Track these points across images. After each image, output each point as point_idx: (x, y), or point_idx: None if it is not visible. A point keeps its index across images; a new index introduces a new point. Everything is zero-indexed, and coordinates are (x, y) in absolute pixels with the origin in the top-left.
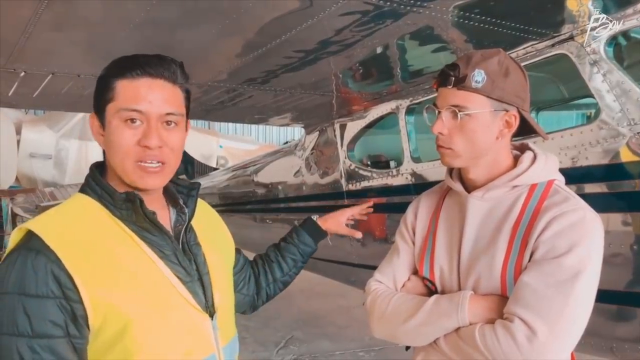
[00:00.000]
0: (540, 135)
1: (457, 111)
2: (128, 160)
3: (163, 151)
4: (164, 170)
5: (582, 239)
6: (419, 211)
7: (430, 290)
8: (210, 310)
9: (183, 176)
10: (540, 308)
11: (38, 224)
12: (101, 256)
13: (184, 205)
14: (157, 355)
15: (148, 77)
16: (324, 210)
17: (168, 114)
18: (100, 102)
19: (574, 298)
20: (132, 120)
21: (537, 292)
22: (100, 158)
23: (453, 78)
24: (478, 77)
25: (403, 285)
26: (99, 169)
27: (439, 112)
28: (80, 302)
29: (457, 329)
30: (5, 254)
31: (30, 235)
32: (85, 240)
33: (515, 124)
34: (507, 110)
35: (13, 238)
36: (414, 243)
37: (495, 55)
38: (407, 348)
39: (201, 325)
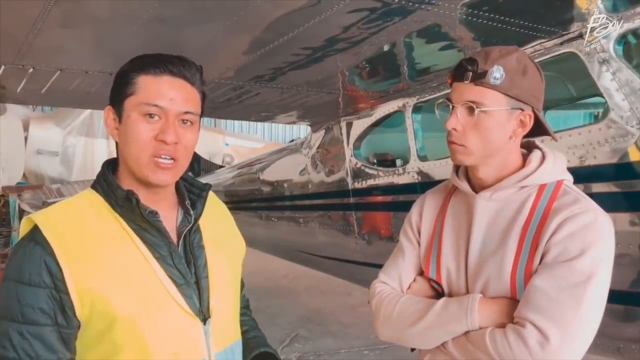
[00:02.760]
0: (552, 137)
1: (474, 107)
2: (143, 154)
3: (177, 148)
4: (175, 167)
5: (594, 242)
6: (424, 210)
7: (437, 291)
8: (204, 315)
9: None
10: (552, 313)
11: (40, 216)
12: (94, 251)
13: (189, 207)
14: (141, 354)
15: (170, 75)
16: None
17: (186, 112)
18: (119, 95)
19: (587, 302)
20: (151, 115)
21: (549, 296)
22: (105, 156)
23: (471, 73)
24: (497, 73)
25: (409, 287)
26: (111, 166)
27: (453, 108)
28: (67, 293)
29: (466, 333)
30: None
31: (34, 226)
32: (82, 235)
33: (530, 123)
34: (522, 110)
35: (22, 228)
36: (419, 243)
37: (513, 52)
38: (413, 349)
39: (191, 329)
